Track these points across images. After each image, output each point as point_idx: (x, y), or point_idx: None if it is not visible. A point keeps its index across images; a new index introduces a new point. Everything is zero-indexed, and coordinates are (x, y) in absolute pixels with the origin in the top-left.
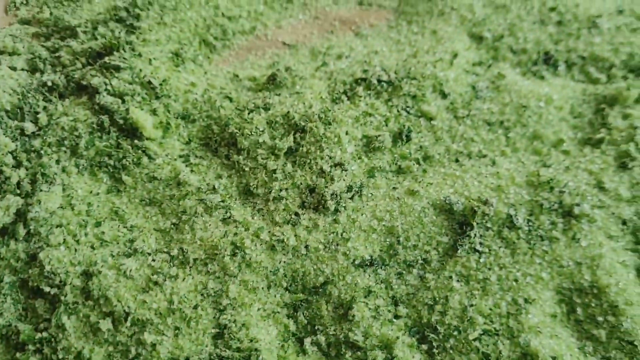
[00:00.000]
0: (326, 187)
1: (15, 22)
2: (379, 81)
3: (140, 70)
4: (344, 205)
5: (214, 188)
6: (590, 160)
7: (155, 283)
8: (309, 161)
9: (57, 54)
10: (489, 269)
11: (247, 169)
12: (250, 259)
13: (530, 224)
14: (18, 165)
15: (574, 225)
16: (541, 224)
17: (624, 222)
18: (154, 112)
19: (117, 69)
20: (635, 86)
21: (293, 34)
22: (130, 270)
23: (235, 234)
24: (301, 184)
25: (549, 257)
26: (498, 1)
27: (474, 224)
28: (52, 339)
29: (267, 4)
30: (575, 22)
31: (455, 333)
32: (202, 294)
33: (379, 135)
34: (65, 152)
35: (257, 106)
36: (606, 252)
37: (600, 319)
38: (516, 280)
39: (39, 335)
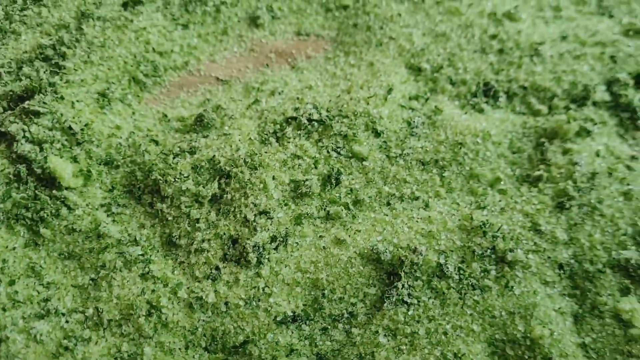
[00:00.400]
0: (248, 238)
1: None
2: (310, 120)
3: (62, 114)
4: (267, 257)
5: (135, 240)
6: (526, 201)
7: (66, 348)
8: (233, 209)
9: None
10: (418, 322)
11: (170, 217)
12: (166, 318)
13: (461, 272)
14: None
15: (507, 273)
16: (473, 272)
17: (561, 267)
18: (74, 159)
19: (37, 114)
20: (576, 118)
21: (227, 68)
22: (41, 335)
23: (153, 290)
24: (224, 234)
25: (480, 308)
26: (438, 29)
27: (402, 274)
28: None
29: (201, 37)
30: (517, 50)
31: None
32: (115, 358)
33: (307, 180)
34: None
35: (183, 150)
36: (541, 300)
37: None
38: (445, 334)
39: None
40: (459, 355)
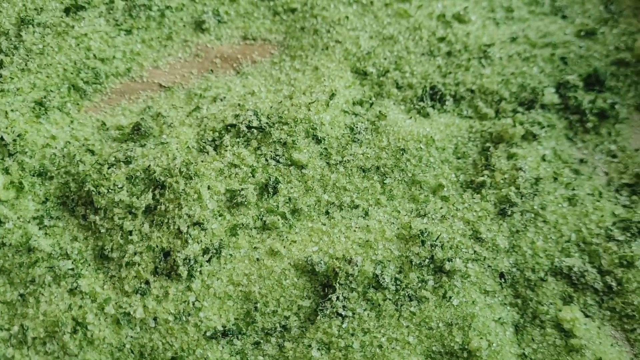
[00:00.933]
0: (179, 251)
1: None
2: (249, 127)
3: None
4: (198, 270)
5: (66, 253)
6: (468, 208)
7: None
8: (166, 221)
9: None
10: (352, 335)
11: (103, 230)
12: (92, 335)
13: (398, 283)
14: None
15: (445, 283)
16: (410, 282)
17: (502, 275)
18: (6, 170)
19: None
20: (523, 122)
21: (171, 74)
22: None
23: (80, 306)
24: (156, 246)
25: (417, 319)
26: (386, 32)
27: (337, 285)
28: None
29: (145, 42)
30: (466, 52)
31: None
32: None
33: (243, 189)
34: None
35: (119, 160)
36: (480, 311)
37: None
38: (381, 347)
39: None
40: None
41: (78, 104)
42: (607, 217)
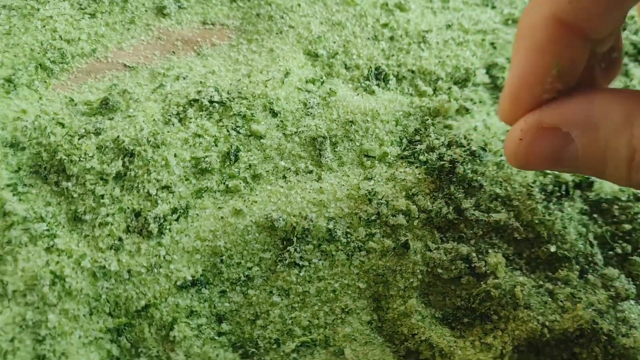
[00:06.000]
0: (150, 210)
1: None
2: (211, 102)
3: None
4: (168, 227)
5: (41, 217)
6: (407, 172)
7: None
8: (136, 185)
9: None
10: (309, 281)
11: (75, 195)
12: (70, 287)
13: (348, 236)
14: None
15: (389, 235)
16: (358, 235)
17: (439, 229)
18: None
19: None
20: (457, 98)
21: (134, 55)
22: None
23: (57, 262)
24: (128, 208)
25: (365, 267)
26: (334, 19)
27: (294, 239)
28: None
29: (109, 25)
30: (406, 37)
31: (275, 346)
32: (20, 326)
33: (207, 157)
34: None
35: (88, 131)
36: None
37: None
38: (334, 291)
39: None
40: (346, 310)
41: (46, 82)
42: (530, 178)
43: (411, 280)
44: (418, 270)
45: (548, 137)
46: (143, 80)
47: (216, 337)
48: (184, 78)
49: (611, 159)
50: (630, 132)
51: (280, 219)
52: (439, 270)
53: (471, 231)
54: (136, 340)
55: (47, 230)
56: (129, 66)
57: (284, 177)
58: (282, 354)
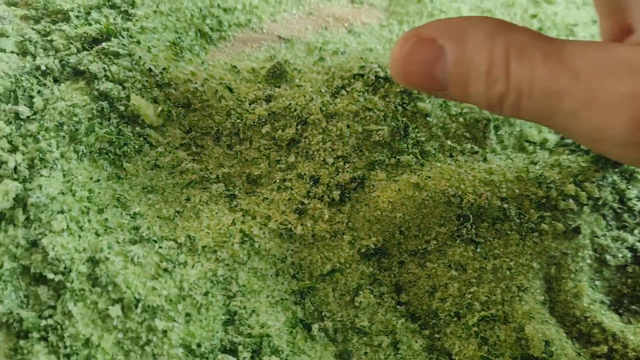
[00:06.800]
0: (331, 177)
1: (2, 3)
2: (377, 77)
3: (140, 57)
4: (348, 195)
5: (217, 177)
6: (571, 160)
7: (165, 270)
8: (312, 153)
9: (49, 38)
10: (485, 258)
11: (249, 158)
12: (259, 246)
13: (521, 217)
14: (14, 149)
15: (560, 219)
16: (530, 217)
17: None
18: (154, 100)
19: (116, 55)
20: None
21: (288, 28)
22: (138, 257)
23: (243, 222)
24: (304, 174)
25: (538, 248)
26: (484, 6)
27: (470, 216)
28: (58, 326)
29: None
30: (554, 29)
31: (455, 319)
32: (211, 281)
33: (379, 130)
34: (64, 137)
35: (259, 97)
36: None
37: None
38: (510, 269)
39: (43, 322)
40: (522, 289)
41: (205, 48)
42: None
43: (581, 264)
44: (587, 255)
45: (424, 47)
46: (300, 53)
47: (397, 307)
48: (342, 53)
49: (473, 73)
50: (492, 46)
51: (457, 195)
52: (607, 257)
53: (634, 221)
54: (319, 304)
55: (227, 190)
56: (284, 38)
57: (451, 155)
58: (462, 327)
